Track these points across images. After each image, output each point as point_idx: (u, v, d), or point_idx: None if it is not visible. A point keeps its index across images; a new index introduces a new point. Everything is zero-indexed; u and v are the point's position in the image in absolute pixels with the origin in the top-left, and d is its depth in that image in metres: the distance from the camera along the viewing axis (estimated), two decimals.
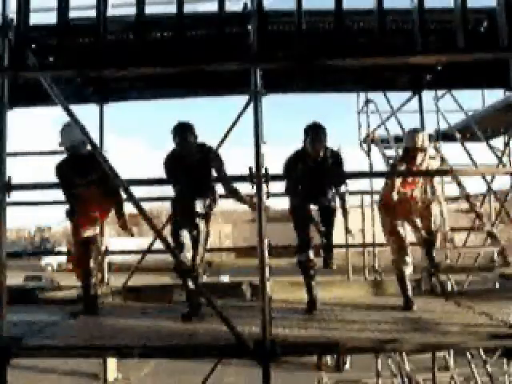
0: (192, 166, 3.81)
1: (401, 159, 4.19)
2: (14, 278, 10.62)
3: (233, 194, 3.90)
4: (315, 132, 3.93)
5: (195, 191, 3.89)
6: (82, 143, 3.78)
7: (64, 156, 4.06)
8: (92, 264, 4.05)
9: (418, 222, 4.16)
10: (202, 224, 3.87)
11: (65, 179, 3.93)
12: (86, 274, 4.03)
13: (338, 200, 4.16)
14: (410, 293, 4.01)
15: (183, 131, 3.84)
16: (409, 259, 4.06)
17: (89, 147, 3.78)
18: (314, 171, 4.00)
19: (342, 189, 4.17)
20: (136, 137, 78.95)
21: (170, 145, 3.96)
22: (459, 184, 5.98)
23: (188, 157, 3.83)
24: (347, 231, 4.27)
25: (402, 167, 4.09)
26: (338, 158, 4.08)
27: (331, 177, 4.15)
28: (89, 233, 4.07)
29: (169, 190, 4.33)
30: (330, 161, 4.01)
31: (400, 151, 6.31)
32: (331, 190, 4.14)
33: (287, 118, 70.01)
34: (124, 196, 4.00)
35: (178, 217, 3.95)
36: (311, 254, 3.98)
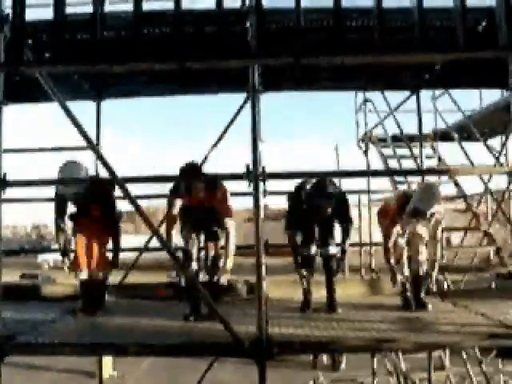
0: (201, 203, 3.78)
1: (408, 215, 3.98)
2: (11, 276, 10.58)
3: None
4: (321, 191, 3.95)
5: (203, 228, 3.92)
6: (83, 186, 3.79)
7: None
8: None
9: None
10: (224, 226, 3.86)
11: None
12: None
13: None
14: (408, 294, 4.03)
15: (191, 176, 3.81)
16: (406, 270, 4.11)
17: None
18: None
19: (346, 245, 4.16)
20: (131, 136, 78.67)
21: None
22: (456, 184, 5.99)
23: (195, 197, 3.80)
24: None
25: (410, 222, 4.02)
26: (344, 202, 4.11)
27: (337, 218, 4.15)
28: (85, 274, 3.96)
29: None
30: (335, 203, 4.01)
31: (397, 150, 6.35)
32: (333, 238, 4.14)
33: (284, 113, 69.94)
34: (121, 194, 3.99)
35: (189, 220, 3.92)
36: (314, 248, 4.02)
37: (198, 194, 3.74)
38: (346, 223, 4.13)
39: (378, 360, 7.10)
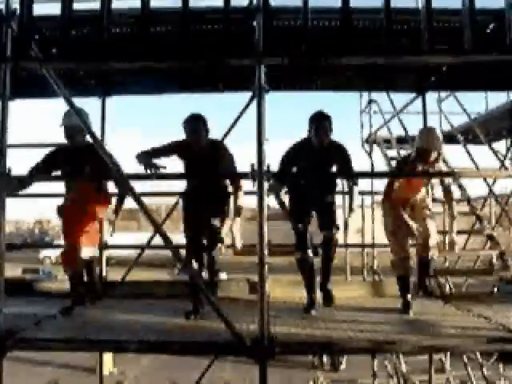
0: (202, 161, 3.73)
1: (413, 160, 4.06)
2: (13, 270, 10.61)
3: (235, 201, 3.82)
4: (320, 122, 3.85)
5: (206, 188, 3.84)
6: (80, 131, 3.78)
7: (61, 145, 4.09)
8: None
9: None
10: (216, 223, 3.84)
11: (52, 165, 3.97)
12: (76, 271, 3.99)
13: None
14: (409, 297, 3.99)
15: (195, 123, 3.79)
16: (410, 262, 4.05)
17: (87, 138, 3.78)
18: (317, 163, 3.89)
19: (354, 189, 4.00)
20: (132, 126, 78.43)
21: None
22: (460, 186, 5.96)
23: (198, 150, 3.77)
24: (345, 226, 4.03)
25: (416, 167, 4.02)
26: (343, 152, 3.96)
27: (340, 174, 4.03)
28: (87, 252, 3.98)
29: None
30: (335, 154, 3.92)
31: (402, 152, 6.32)
32: (333, 188, 4.05)
33: (287, 112, 69.68)
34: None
35: (190, 215, 3.90)
36: (310, 251, 3.91)
37: (199, 142, 3.74)
38: (353, 179, 3.96)
39: (378, 361, 7.10)
